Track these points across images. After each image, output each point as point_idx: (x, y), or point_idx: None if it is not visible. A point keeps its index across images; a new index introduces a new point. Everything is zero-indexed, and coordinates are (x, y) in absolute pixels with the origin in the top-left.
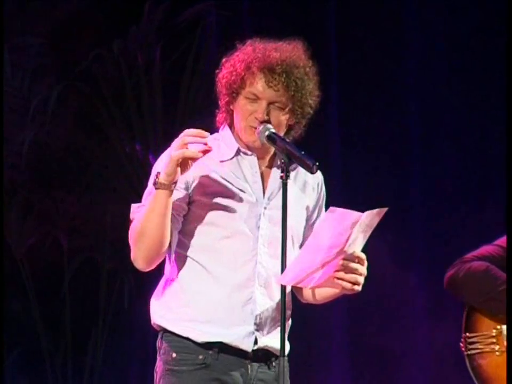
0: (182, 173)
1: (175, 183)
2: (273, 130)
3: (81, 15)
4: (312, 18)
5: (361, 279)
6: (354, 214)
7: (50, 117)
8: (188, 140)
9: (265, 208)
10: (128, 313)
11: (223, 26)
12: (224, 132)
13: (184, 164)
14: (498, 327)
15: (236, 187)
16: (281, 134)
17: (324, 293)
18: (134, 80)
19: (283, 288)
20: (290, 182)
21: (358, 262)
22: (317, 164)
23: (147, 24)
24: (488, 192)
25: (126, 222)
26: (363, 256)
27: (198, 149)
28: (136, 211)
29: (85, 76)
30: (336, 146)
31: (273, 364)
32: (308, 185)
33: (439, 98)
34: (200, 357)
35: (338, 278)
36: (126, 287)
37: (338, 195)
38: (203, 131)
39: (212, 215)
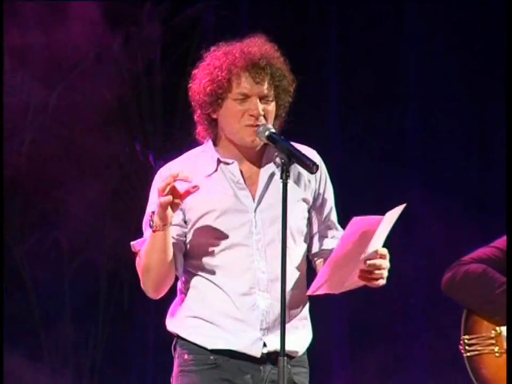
0: (174, 211)
1: (171, 222)
2: (273, 130)
3: (81, 15)
4: (311, 18)
5: (385, 273)
6: (375, 218)
7: (50, 117)
8: (171, 182)
9: (255, 211)
10: (128, 313)
11: (223, 26)
12: (207, 144)
13: (174, 204)
14: (497, 328)
15: (222, 201)
16: (271, 124)
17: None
18: (134, 81)
19: (283, 287)
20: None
21: (380, 258)
22: (317, 164)
23: (147, 24)
24: (488, 192)
25: (126, 221)
26: (385, 251)
27: (183, 187)
28: (138, 245)
29: (85, 76)
30: (336, 146)
31: (288, 365)
32: (302, 176)
33: (439, 98)
34: (212, 357)
35: (364, 278)
36: (126, 287)
37: (338, 195)
38: (182, 170)
39: (205, 232)
